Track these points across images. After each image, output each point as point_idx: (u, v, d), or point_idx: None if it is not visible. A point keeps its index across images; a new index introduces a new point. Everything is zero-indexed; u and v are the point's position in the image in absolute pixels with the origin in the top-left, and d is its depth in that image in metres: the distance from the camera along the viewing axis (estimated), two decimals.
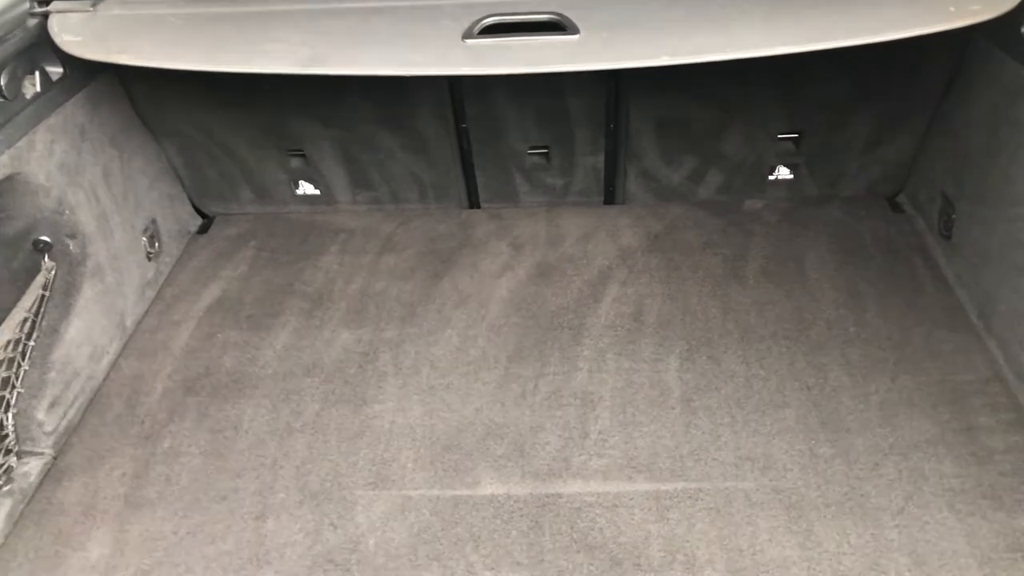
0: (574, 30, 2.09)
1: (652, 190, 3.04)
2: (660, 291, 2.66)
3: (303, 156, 2.97)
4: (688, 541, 1.93)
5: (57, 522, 2.08)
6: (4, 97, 2.10)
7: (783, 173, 2.97)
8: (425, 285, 2.75)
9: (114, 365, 2.53)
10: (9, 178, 2.16)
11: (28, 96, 2.21)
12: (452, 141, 2.87)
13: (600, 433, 2.20)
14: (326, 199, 3.11)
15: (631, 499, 2.03)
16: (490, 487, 2.08)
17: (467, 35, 2.10)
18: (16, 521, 2.09)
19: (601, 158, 2.93)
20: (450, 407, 2.30)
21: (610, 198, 3.07)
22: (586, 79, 2.70)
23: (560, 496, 2.05)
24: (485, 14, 2.14)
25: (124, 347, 2.59)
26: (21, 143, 2.16)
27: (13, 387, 2.23)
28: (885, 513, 1.95)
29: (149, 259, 2.81)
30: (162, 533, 2.03)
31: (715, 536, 1.93)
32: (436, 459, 2.16)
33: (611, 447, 2.16)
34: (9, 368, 2.21)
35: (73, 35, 2.18)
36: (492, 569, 1.90)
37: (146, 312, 2.73)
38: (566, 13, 2.13)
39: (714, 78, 2.68)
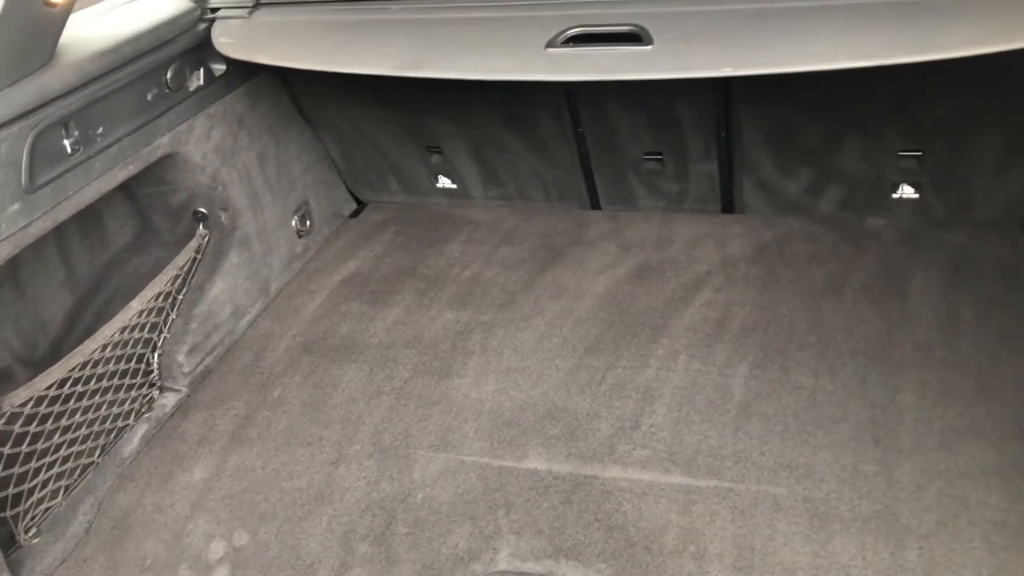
0: (649, 41, 2.21)
1: (770, 201, 3.04)
2: (751, 300, 2.69)
3: (441, 152, 3.25)
4: (704, 534, 1.99)
5: (177, 447, 2.47)
6: (169, 88, 2.52)
7: (907, 192, 2.88)
8: (529, 276, 2.94)
9: (253, 323, 2.92)
10: (171, 156, 2.58)
11: (191, 88, 2.62)
12: (571, 144, 3.03)
13: (651, 427, 2.30)
14: (462, 193, 3.37)
15: (661, 490, 2.12)
16: (535, 462, 2.24)
17: (550, 44, 2.27)
18: (148, 442, 2.50)
19: (715, 166, 2.97)
20: (520, 387, 2.48)
21: (728, 207, 3.11)
22: (696, 88, 2.77)
23: (596, 478, 2.17)
24: (571, 25, 2.30)
25: (264, 309, 2.98)
26: (181, 127, 2.58)
27: (161, 332, 2.66)
28: (912, 535, 1.92)
29: (299, 236, 3.19)
30: (253, 467, 2.36)
31: (731, 533, 1.99)
32: (495, 432, 2.35)
33: (657, 440, 2.25)
34: (159, 316, 2.63)
35: (228, 38, 2.57)
36: (516, 534, 2.06)
37: (289, 282, 3.11)
38: (647, 25, 2.25)
39: (825, 91, 2.67)
